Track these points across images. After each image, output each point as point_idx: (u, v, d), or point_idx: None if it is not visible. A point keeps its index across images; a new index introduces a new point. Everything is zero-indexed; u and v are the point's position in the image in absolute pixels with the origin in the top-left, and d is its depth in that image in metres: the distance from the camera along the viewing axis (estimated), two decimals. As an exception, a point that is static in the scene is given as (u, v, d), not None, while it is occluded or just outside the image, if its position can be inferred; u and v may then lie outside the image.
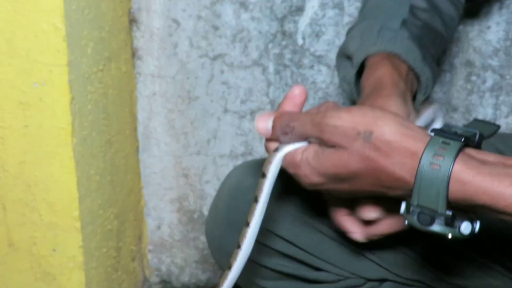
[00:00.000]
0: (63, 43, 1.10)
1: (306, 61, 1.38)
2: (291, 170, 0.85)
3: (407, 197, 0.79)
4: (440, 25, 1.10)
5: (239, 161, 1.45)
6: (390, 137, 0.78)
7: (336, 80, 1.38)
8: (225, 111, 1.43)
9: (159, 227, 1.54)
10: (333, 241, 1.05)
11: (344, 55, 1.07)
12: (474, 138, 0.80)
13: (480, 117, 1.38)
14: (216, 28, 1.38)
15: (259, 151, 1.45)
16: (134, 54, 1.40)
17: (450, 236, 0.77)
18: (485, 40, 1.33)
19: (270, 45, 1.38)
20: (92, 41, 1.20)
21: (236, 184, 1.08)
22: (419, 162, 0.76)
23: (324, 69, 1.39)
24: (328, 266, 1.06)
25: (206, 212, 1.51)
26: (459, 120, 1.39)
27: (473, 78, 1.36)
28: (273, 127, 0.86)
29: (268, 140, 0.88)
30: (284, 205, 1.05)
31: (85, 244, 1.23)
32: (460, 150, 0.76)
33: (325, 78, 1.39)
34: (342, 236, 1.01)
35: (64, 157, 1.17)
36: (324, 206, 0.98)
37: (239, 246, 0.89)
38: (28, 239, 1.22)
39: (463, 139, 0.77)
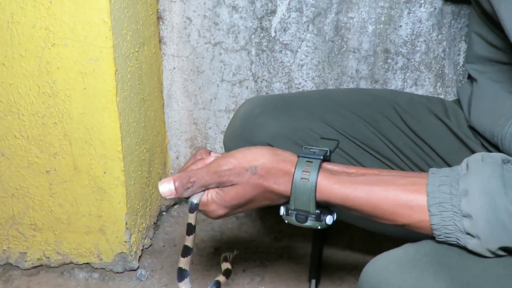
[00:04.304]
0: (109, 32, 1.07)
1: (277, 47, 1.34)
2: (200, 208, 0.78)
3: (286, 203, 0.75)
4: None
5: (231, 114, 1.42)
6: (268, 165, 0.74)
7: (297, 60, 1.34)
8: (222, 80, 1.40)
9: (177, 157, 1.52)
10: None
11: None
12: (326, 154, 0.76)
13: (392, 87, 1.35)
14: (216, 23, 1.33)
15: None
16: (160, 40, 1.36)
17: (319, 227, 0.73)
18: (398, 35, 1.30)
19: (253, 36, 1.34)
20: (130, 31, 1.16)
21: (248, 111, 1.01)
22: (293, 178, 0.72)
23: (288, 53, 1.34)
24: None
25: (209, 148, 1.49)
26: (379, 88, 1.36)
27: (389, 60, 1.33)
28: (176, 188, 0.75)
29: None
30: None
31: (125, 169, 1.21)
32: (320, 165, 0.72)
33: (290, 59, 1.35)
34: None
35: (111, 110, 1.14)
36: None
37: None
38: (87, 165, 1.20)
39: (321, 157, 0.73)
